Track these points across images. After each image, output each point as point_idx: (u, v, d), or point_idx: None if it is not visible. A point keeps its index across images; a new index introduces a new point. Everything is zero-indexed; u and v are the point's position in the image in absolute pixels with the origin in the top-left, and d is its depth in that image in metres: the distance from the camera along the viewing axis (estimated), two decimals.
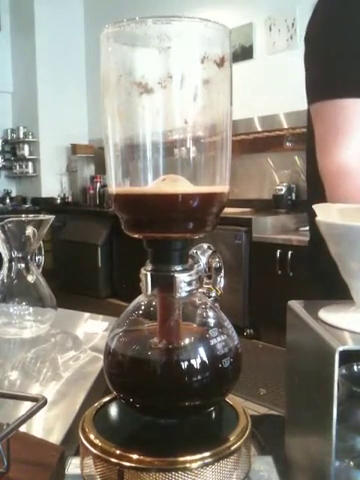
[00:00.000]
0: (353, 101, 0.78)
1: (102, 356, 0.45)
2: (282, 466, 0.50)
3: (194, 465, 0.38)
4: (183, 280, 0.41)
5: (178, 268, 0.42)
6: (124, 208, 0.42)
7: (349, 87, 0.79)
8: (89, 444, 0.41)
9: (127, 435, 0.44)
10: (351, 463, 0.45)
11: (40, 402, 0.44)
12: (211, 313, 0.45)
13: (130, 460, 0.39)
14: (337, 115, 0.80)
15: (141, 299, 0.45)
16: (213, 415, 0.46)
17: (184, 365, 0.41)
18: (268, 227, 3.48)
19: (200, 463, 0.38)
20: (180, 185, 0.39)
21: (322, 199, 0.82)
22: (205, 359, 0.41)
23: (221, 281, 0.47)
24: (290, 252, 3.14)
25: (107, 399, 0.48)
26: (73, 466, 0.48)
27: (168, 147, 0.39)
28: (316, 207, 0.52)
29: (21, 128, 5.72)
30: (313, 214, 0.50)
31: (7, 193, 5.88)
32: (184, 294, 0.42)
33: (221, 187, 0.41)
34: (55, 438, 0.60)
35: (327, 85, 0.82)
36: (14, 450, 0.42)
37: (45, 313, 0.95)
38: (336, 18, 0.82)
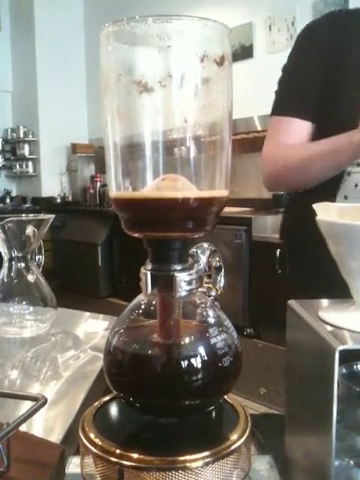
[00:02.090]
0: (286, 119, 1.08)
1: (102, 355, 0.45)
2: (282, 465, 0.50)
3: (194, 464, 0.38)
4: (183, 279, 0.41)
5: (178, 267, 0.42)
6: (124, 209, 0.42)
7: (284, 108, 1.09)
8: (89, 443, 0.41)
9: (127, 434, 0.44)
10: (351, 462, 0.45)
11: (40, 401, 0.44)
12: (211, 312, 0.45)
13: (130, 459, 0.39)
14: (272, 126, 1.12)
15: (141, 298, 0.45)
16: (213, 414, 0.46)
17: (184, 364, 0.41)
18: (268, 226, 3.48)
19: (200, 462, 0.38)
20: (180, 186, 0.39)
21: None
22: (205, 358, 0.41)
23: (221, 280, 0.47)
24: None
25: (107, 398, 0.48)
26: (73, 465, 0.48)
27: (168, 146, 0.39)
28: (316, 206, 0.52)
29: (21, 128, 5.71)
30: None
31: (7, 193, 5.88)
32: (184, 293, 0.42)
33: (221, 191, 0.41)
34: (55, 437, 0.60)
35: (274, 105, 1.12)
36: (14, 449, 0.42)
37: (45, 312, 0.95)
38: (293, 62, 1.10)
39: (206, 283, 0.46)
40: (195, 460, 0.38)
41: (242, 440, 0.41)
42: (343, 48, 1.02)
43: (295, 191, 1.17)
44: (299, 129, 1.06)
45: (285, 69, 1.11)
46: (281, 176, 1.09)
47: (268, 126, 1.14)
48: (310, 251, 0.94)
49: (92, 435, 0.41)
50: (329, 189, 1.00)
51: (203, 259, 0.45)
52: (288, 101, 1.10)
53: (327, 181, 0.99)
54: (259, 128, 4.05)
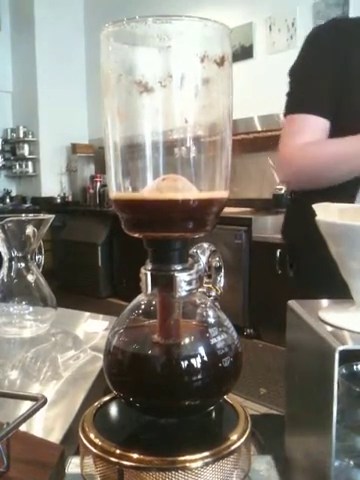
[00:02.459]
0: (302, 116, 1.09)
1: (102, 355, 0.45)
2: (282, 465, 0.50)
3: (194, 465, 0.38)
4: (183, 279, 0.41)
5: (178, 267, 0.42)
6: (124, 209, 0.42)
7: (300, 106, 1.10)
8: (89, 443, 0.41)
9: (127, 434, 0.44)
10: (351, 462, 0.45)
11: (40, 401, 0.44)
12: (211, 312, 0.45)
13: (130, 459, 0.39)
14: (287, 124, 1.12)
15: (141, 298, 0.45)
16: (213, 414, 0.46)
17: (184, 364, 0.41)
18: (268, 227, 3.48)
19: (200, 463, 0.39)
20: (180, 186, 0.39)
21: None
22: (205, 358, 0.41)
23: (221, 280, 0.47)
24: None
25: (107, 398, 0.48)
26: (73, 465, 0.48)
27: (168, 146, 0.39)
28: (316, 207, 0.52)
29: (21, 128, 5.71)
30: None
31: (7, 193, 5.88)
32: (184, 293, 0.42)
33: (221, 192, 0.41)
34: (55, 437, 0.60)
35: (287, 106, 1.14)
36: (14, 449, 0.42)
37: (45, 312, 0.95)
38: (301, 64, 1.13)
39: (206, 283, 0.46)
40: (195, 460, 0.38)
41: (242, 440, 0.41)
42: (345, 56, 1.05)
43: (302, 191, 1.17)
44: (315, 126, 1.07)
45: (294, 72, 1.13)
46: (305, 174, 1.08)
47: (283, 126, 1.15)
48: (317, 251, 0.94)
49: (92, 435, 0.42)
50: (346, 190, 0.99)
51: (203, 259, 0.45)
52: (301, 99, 1.11)
53: (345, 182, 1.00)
54: (259, 128, 4.06)
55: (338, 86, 1.05)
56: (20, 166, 5.79)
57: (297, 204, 1.19)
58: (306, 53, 1.12)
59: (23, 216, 0.94)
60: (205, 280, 0.46)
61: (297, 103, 1.11)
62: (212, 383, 0.42)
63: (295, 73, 1.13)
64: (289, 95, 1.13)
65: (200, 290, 0.44)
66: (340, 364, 0.41)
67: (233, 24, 3.85)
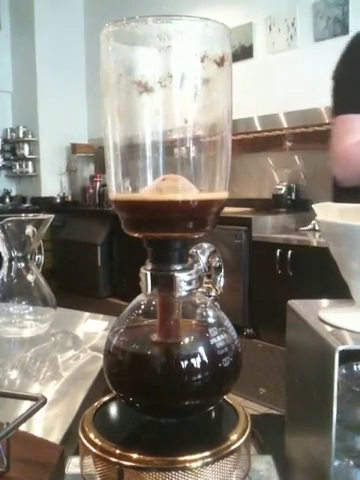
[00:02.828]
0: (352, 116, 1.18)
1: (102, 355, 0.45)
2: (282, 465, 0.50)
3: (194, 464, 0.38)
4: (183, 279, 0.41)
5: (178, 267, 0.42)
6: (124, 209, 0.42)
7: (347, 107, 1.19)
8: (89, 443, 0.41)
9: (127, 434, 0.44)
10: (350, 462, 0.46)
11: (40, 401, 0.44)
12: (211, 312, 0.45)
13: (130, 459, 0.39)
14: (338, 124, 1.21)
15: (141, 298, 0.45)
16: (213, 415, 0.46)
17: (184, 364, 0.41)
18: (268, 227, 3.48)
19: (200, 462, 0.39)
20: (180, 186, 0.39)
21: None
22: (205, 358, 0.41)
23: (221, 280, 0.47)
24: (290, 252, 3.14)
25: (107, 398, 0.48)
26: (73, 465, 0.48)
27: (168, 146, 0.39)
28: (316, 207, 0.52)
29: (21, 127, 5.71)
30: None
31: (7, 192, 5.87)
32: (184, 293, 0.42)
33: (221, 192, 0.41)
34: (55, 437, 0.60)
35: (336, 107, 1.23)
36: (14, 449, 0.42)
37: (45, 312, 0.95)
38: (347, 68, 1.22)
39: (206, 283, 0.46)
40: (195, 460, 0.38)
41: (242, 440, 0.41)
42: None
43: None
44: None
45: (338, 76, 1.21)
46: None
47: (333, 126, 1.24)
48: None
49: (92, 435, 0.41)
50: None
51: (203, 259, 0.45)
52: (350, 101, 1.19)
53: None
54: (259, 128, 4.05)
55: None
56: (20, 166, 5.78)
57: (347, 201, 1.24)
58: (351, 56, 1.21)
59: (23, 216, 0.94)
60: (205, 280, 0.46)
61: (346, 104, 1.20)
62: (212, 383, 0.42)
63: (340, 77, 1.22)
64: (336, 97, 1.23)
65: (200, 290, 0.44)
66: (340, 364, 0.41)
67: (233, 24, 3.85)
